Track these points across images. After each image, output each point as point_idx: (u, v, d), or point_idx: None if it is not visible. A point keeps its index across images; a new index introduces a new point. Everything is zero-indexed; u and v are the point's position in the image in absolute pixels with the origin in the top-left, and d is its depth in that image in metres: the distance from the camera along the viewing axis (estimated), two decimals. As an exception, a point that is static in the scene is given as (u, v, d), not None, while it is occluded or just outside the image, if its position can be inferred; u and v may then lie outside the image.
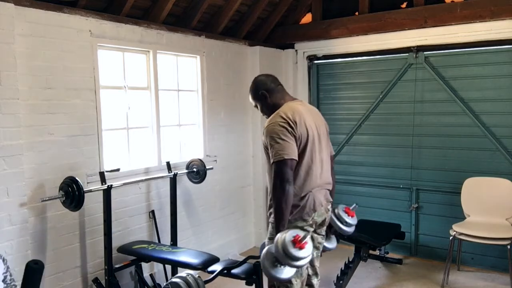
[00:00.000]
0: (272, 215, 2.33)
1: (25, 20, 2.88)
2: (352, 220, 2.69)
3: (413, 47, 4.40)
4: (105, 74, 3.46)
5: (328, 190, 2.56)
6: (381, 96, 4.69)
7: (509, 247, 3.57)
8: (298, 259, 2.09)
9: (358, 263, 3.95)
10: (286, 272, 2.16)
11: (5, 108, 2.72)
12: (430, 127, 4.45)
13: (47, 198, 2.97)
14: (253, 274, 2.83)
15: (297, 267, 2.16)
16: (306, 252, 2.11)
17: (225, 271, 2.86)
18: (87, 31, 3.26)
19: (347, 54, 4.85)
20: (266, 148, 2.37)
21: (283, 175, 2.23)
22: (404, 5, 4.41)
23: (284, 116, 2.31)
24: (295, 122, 2.30)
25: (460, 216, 4.08)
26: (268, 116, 2.48)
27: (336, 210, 2.68)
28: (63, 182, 3.00)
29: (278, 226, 2.24)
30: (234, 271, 2.85)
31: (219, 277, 2.86)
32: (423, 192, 4.54)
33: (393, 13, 4.37)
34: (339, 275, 3.74)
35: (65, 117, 3.16)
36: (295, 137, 2.29)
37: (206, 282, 2.67)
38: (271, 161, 2.28)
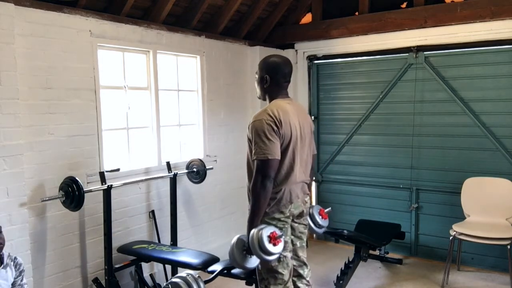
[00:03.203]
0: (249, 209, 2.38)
1: (25, 20, 2.88)
2: (324, 222, 2.82)
3: (413, 47, 4.40)
4: (105, 74, 3.46)
5: (306, 183, 2.61)
6: (381, 96, 4.69)
7: (509, 247, 3.57)
8: (270, 254, 2.24)
9: (358, 263, 3.95)
10: (251, 262, 2.32)
11: (5, 108, 2.72)
12: (430, 127, 4.44)
13: (47, 198, 2.97)
14: (253, 274, 2.82)
15: (265, 260, 2.29)
16: (278, 249, 2.27)
17: (225, 271, 2.86)
18: (87, 31, 3.26)
19: (347, 54, 4.85)
20: (250, 142, 2.42)
21: (265, 172, 2.30)
22: (404, 5, 4.42)
23: (271, 114, 2.35)
24: (281, 121, 2.34)
25: (460, 216, 4.08)
26: (258, 93, 2.60)
27: (311, 210, 2.77)
28: (63, 182, 3.00)
29: (253, 219, 2.33)
30: (234, 271, 2.85)
31: (219, 277, 2.86)
32: (423, 192, 4.54)
33: (393, 13, 4.37)
34: (339, 275, 3.73)
35: (65, 117, 3.16)
36: (279, 136, 2.34)
37: (206, 282, 2.67)
38: (254, 157, 2.34)
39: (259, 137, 2.32)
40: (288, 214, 2.45)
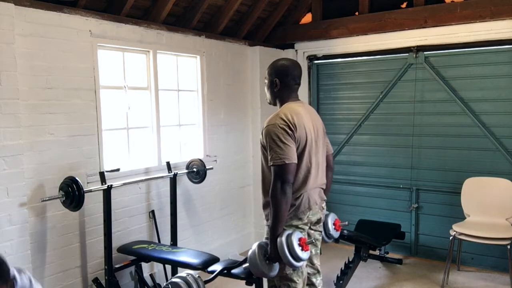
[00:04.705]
0: (270, 216, 2.31)
1: (25, 20, 2.88)
2: (335, 234, 2.77)
3: (413, 47, 4.40)
4: (105, 74, 3.46)
5: (322, 188, 2.57)
6: (381, 96, 4.69)
7: (509, 247, 3.57)
8: (299, 260, 2.22)
9: (358, 263, 3.95)
10: (274, 269, 2.29)
11: (5, 108, 2.72)
12: (430, 127, 4.45)
13: (47, 198, 2.97)
14: (253, 274, 2.83)
15: (293, 266, 2.26)
16: (307, 255, 2.26)
17: (225, 271, 2.85)
18: (87, 31, 3.26)
19: (347, 54, 4.85)
20: (264, 148, 2.36)
21: (283, 178, 2.23)
22: (404, 5, 4.41)
23: (285, 118, 2.30)
24: (295, 125, 2.29)
25: (460, 216, 4.08)
26: (268, 99, 2.55)
27: (326, 218, 2.71)
28: (63, 182, 3.00)
29: (277, 226, 2.25)
30: (234, 271, 2.84)
31: (219, 277, 2.86)
32: (423, 192, 4.54)
33: (393, 13, 4.37)
34: (339, 275, 3.74)
35: (65, 117, 3.16)
36: (294, 140, 2.29)
37: (206, 282, 2.67)
38: (271, 163, 2.27)
39: (274, 142, 2.26)
40: (306, 221, 2.40)
